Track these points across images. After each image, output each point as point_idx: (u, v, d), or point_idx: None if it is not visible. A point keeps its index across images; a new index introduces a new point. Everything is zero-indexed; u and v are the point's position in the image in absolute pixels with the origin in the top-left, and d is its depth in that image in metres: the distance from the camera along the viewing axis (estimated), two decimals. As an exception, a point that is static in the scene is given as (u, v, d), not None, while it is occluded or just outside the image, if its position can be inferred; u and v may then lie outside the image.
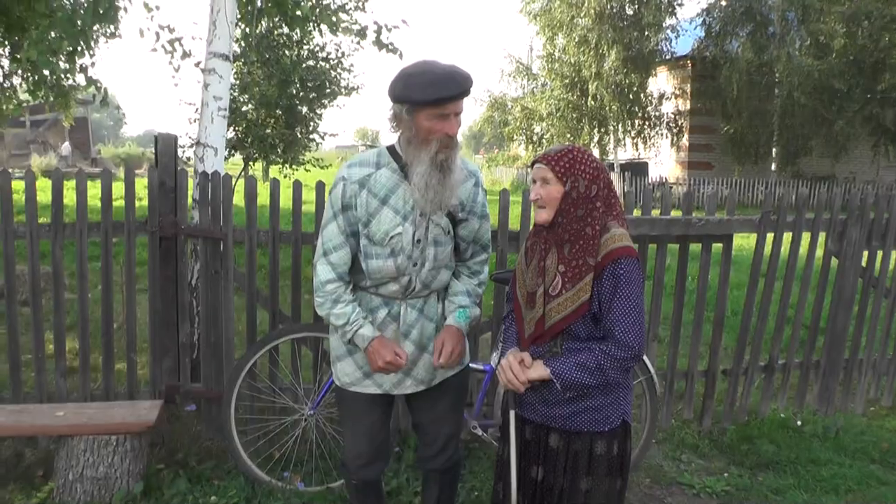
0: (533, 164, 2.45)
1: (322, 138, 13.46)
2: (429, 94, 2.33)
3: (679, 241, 4.42)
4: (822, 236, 4.71)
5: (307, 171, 13.22)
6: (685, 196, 4.53)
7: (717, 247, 4.51)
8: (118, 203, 8.31)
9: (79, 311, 4.09)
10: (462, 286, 2.77)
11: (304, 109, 12.36)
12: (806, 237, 4.69)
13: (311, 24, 5.80)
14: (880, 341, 5.04)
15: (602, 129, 23.67)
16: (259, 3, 5.01)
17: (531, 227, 2.59)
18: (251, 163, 12.31)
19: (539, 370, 2.38)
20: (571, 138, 23.63)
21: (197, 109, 11.79)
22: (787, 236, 4.61)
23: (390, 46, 5.50)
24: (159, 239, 4.01)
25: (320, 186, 4.17)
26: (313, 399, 3.92)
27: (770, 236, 4.52)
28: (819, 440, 4.53)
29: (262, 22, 5.49)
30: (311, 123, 12.97)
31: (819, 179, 23.16)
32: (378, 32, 5.43)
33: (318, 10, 5.56)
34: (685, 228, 4.30)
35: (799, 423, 4.70)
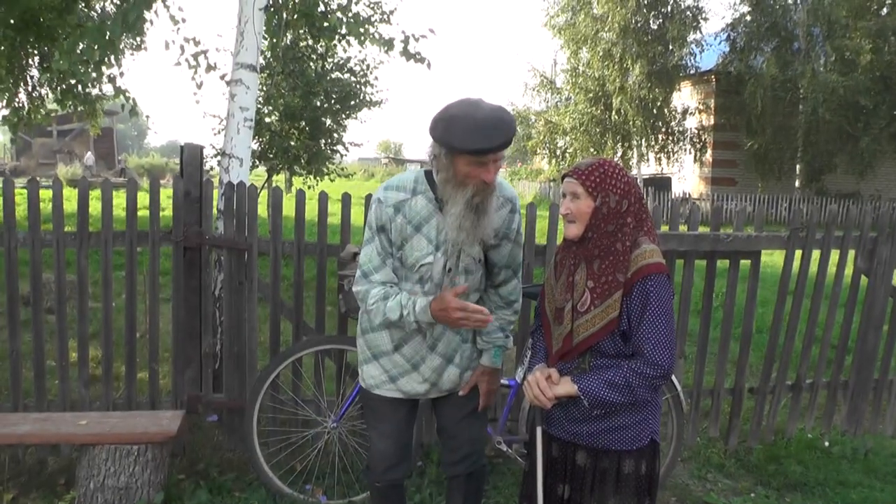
0: (563, 177, 2.43)
1: (347, 150, 13.51)
2: (469, 143, 2.30)
3: (707, 257, 4.36)
4: (850, 254, 4.64)
5: (331, 181, 13.28)
6: (714, 212, 4.50)
7: (745, 263, 4.44)
8: (142, 213, 8.37)
9: (103, 319, 4.10)
10: (496, 323, 2.76)
11: (329, 121, 12.40)
12: (835, 255, 4.62)
13: (339, 35, 5.80)
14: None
15: (626, 144, 23.62)
16: (286, 15, 5.02)
17: (560, 242, 2.57)
18: (275, 174, 12.37)
19: (566, 386, 2.35)
20: (595, 152, 23.59)
21: (221, 121, 11.87)
22: (816, 254, 4.54)
23: (418, 56, 5.46)
24: (184, 249, 4.01)
25: (346, 198, 4.18)
26: (336, 411, 3.90)
27: (798, 253, 4.45)
28: (848, 462, 4.44)
29: (289, 33, 5.50)
30: (336, 135, 13.03)
31: (844, 197, 22.92)
32: (405, 42, 5.39)
33: (345, 21, 5.55)
34: (713, 244, 4.24)
35: (827, 443, 4.61)
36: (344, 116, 12.95)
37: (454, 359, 2.71)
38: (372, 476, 2.85)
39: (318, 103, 12.13)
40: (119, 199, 12.90)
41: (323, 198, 4.19)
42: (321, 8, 5.40)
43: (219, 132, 11.48)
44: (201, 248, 4.04)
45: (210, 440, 4.24)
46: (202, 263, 4.07)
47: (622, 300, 2.29)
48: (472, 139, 2.29)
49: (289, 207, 4.18)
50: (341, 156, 13.85)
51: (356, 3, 6.25)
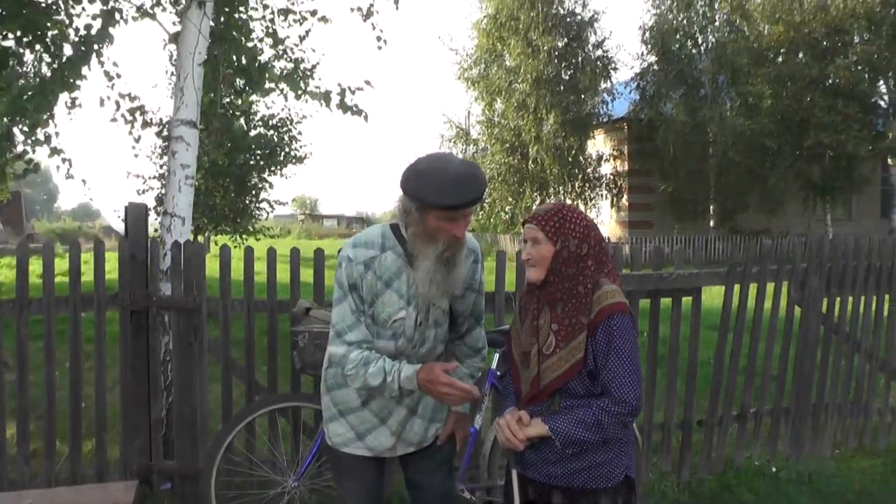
0: (524, 224, 2.50)
1: (272, 207, 13.44)
2: (442, 199, 2.32)
3: (650, 297, 4.50)
4: (784, 286, 4.86)
5: (257, 240, 13.14)
6: (655, 252, 4.67)
7: (686, 301, 4.60)
8: (59, 279, 8.07)
9: (45, 390, 3.94)
10: (465, 369, 2.80)
11: (255, 178, 12.35)
12: (771, 287, 4.83)
13: (277, 90, 5.80)
14: (843, 385, 5.16)
15: (543, 192, 24.02)
16: (222, 70, 5.01)
17: (525, 287, 2.62)
18: (199, 234, 12.18)
19: (537, 427, 2.38)
20: (513, 202, 24.03)
21: (145, 181, 11.70)
22: (753, 287, 4.73)
23: (355, 108, 5.46)
24: (130, 313, 3.91)
25: (295, 253, 4.16)
26: (296, 470, 3.82)
27: (737, 288, 4.64)
28: (794, 485, 4.59)
29: (222, 88, 5.48)
30: (261, 192, 12.97)
31: (756, 234, 23.92)
32: (342, 95, 5.41)
33: (284, 75, 5.57)
34: (657, 283, 4.40)
35: (774, 469, 4.76)
36: (269, 172, 12.93)
37: (417, 410, 2.71)
38: None
39: (244, 160, 12.09)
40: (34, 266, 12.36)
41: (272, 254, 4.16)
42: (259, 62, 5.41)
43: (143, 192, 11.29)
44: (149, 310, 3.95)
45: (162, 510, 4.09)
46: (149, 326, 3.97)
47: (587, 341, 2.35)
48: (444, 195, 2.31)
49: (213, 268, 4.14)
50: (267, 214, 13.78)
51: (277, 60, 6.26)
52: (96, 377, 3.97)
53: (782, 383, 4.96)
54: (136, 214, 3.95)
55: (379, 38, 6.05)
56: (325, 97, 5.33)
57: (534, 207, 23.92)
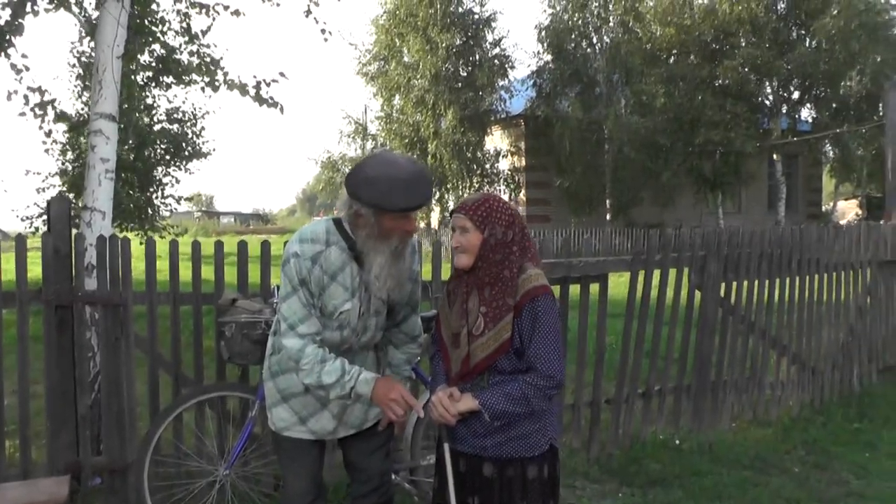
0: (452, 213, 2.66)
1: (178, 202, 13.18)
2: (399, 203, 2.47)
3: (560, 283, 4.75)
4: (685, 272, 5.22)
5: (161, 237, 12.86)
6: (563, 242, 4.94)
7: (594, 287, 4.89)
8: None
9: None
10: (402, 356, 2.98)
11: (161, 172, 12.09)
12: (673, 273, 5.18)
13: (193, 81, 5.75)
14: (739, 362, 5.59)
15: (442, 188, 24.11)
16: (142, 61, 4.97)
17: (451, 273, 2.79)
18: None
19: (468, 402, 2.56)
20: (412, 196, 24.02)
21: (45, 178, 11.28)
22: (656, 274, 5.07)
23: (271, 100, 5.48)
24: (55, 308, 3.88)
25: (219, 245, 4.21)
26: (226, 459, 3.89)
27: (642, 274, 4.96)
28: (697, 455, 4.95)
29: (137, 81, 5.42)
30: (166, 187, 12.71)
31: (651, 227, 24.84)
32: (257, 88, 5.43)
33: (203, 66, 5.53)
34: (567, 270, 4.66)
35: (678, 441, 5.12)
36: (175, 168, 12.69)
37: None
38: None
39: (148, 154, 11.83)
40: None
41: (196, 246, 4.20)
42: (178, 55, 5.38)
43: (44, 190, 10.90)
44: (73, 305, 3.93)
45: (90, 507, 4.07)
46: (74, 322, 3.95)
47: (514, 321, 2.54)
48: (400, 199, 2.47)
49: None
50: (172, 210, 13.50)
51: (192, 55, 6.22)
52: (19, 374, 3.92)
53: (684, 362, 5.32)
54: (58, 208, 3.92)
55: (323, 31, 6.09)
56: (242, 88, 5.34)
57: (433, 203, 24.17)
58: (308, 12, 5.83)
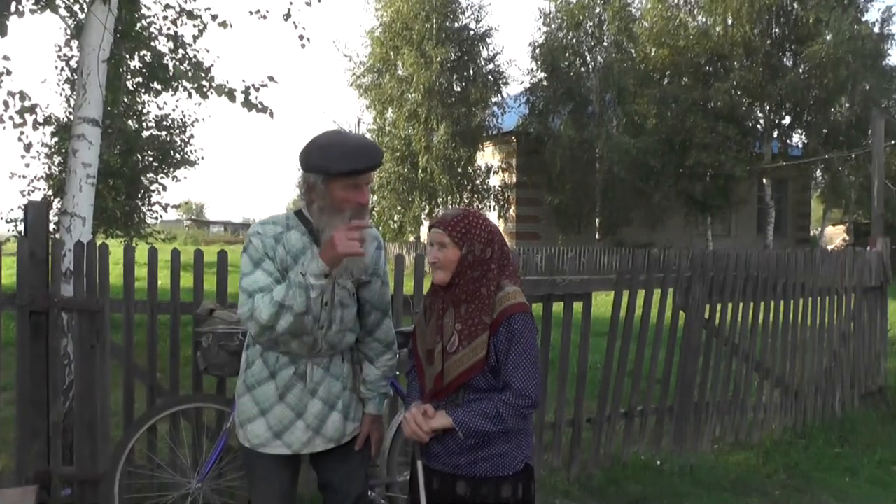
0: (430, 227, 2.63)
1: (165, 210, 13.12)
2: (346, 165, 2.48)
3: (543, 301, 4.73)
4: (670, 293, 5.20)
5: (148, 244, 12.78)
6: (547, 259, 4.94)
7: (577, 306, 4.86)
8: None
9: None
10: (378, 371, 2.90)
11: (149, 178, 12.03)
12: (657, 294, 5.16)
13: (181, 86, 5.71)
14: (722, 385, 5.56)
15: (432, 202, 24.16)
16: (131, 66, 4.93)
17: (428, 288, 2.75)
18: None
19: (441, 419, 2.52)
20: (402, 210, 24.12)
21: (30, 182, 11.19)
22: (641, 294, 5.05)
23: (260, 105, 5.44)
24: (29, 313, 3.83)
25: (198, 255, 4.17)
26: (200, 470, 3.83)
27: (626, 294, 4.94)
28: (678, 477, 4.92)
29: (124, 87, 5.37)
30: (153, 194, 12.65)
31: (640, 247, 24.83)
32: (246, 93, 5.38)
33: (191, 72, 5.49)
34: (550, 288, 4.63)
35: (659, 462, 5.08)
36: (163, 175, 12.63)
37: (336, 405, 2.78)
38: None
39: (136, 161, 11.78)
40: None
41: (175, 255, 4.16)
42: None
43: (29, 193, 10.81)
44: (49, 311, 3.87)
45: (58, 517, 3.99)
46: (50, 328, 3.89)
47: (489, 339, 2.51)
48: (348, 161, 2.48)
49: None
50: (159, 217, 13.43)
51: (181, 62, 6.19)
52: (-10, 380, 3.87)
53: (667, 384, 5.30)
54: (36, 212, 3.87)
55: (301, 38, 6.07)
56: (230, 94, 5.30)
57: (422, 217, 24.19)
58: (287, 16, 5.82)
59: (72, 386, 4.13)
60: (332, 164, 2.48)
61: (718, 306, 5.41)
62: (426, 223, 24.53)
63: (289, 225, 2.68)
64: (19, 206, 10.52)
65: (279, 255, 2.63)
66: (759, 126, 25.91)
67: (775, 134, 25.79)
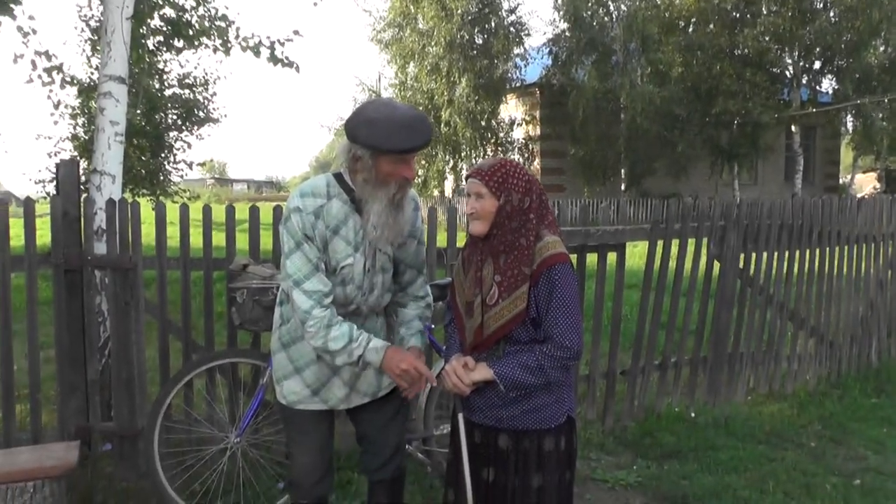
0: (467, 178, 2.57)
1: (191, 167, 13.15)
2: (397, 143, 2.40)
3: (577, 252, 4.67)
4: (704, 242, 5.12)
5: (174, 202, 12.84)
6: (581, 210, 4.86)
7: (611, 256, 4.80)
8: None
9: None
10: (413, 312, 2.86)
11: (173, 136, 12.03)
12: (691, 243, 5.08)
13: (205, 43, 5.64)
14: (757, 335, 5.50)
15: (456, 155, 23.96)
16: (151, 24, 4.87)
17: (466, 240, 2.70)
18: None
19: (482, 372, 2.49)
20: (426, 165, 23.98)
21: (56, 143, 11.24)
22: (675, 243, 4.97)
23: (286, 60, 5.38)
24: (64, 272, 3.83)
25: (230, 210, 4.15)
26: (238, 426, 3.86)
27: (660, 243, 4.87)
28: (712, 428, 4.89)
29: (147, 44, 5.32)
30: (177, 152, 12.67)
31: (665, 197, 24.59)
32: (272, 48, 5.32)
33: (214, 28, 5.42)
34: (584, 238, 4.57)
35: (693, 414, 5.06)
36: (187, 132, 12.64)
37: None
38: (299, 492, 2.84)
39: (160, 119, 11.77)
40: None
41: (207, 211, 4.14)
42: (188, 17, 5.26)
43: (56, 154, 10.85)
44: (83, 269, 3.88)
45: (101, 472, 4.05)
46: (84, 286, 3.90)
47: (530, 290, 2.46)
48: (398, 139, 2.40)
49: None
50: (184, 175, 13.47)
51: (191, 16, 6.10)
52: (29, 339, 3.89)
53: (700, 335, 5.24)
54: (68, 171, 3.85)
55: None
56: (255, 49, 5.24)
57: (446, 171, 24.09)
58: None
59: (107, 343, 4.16)
60: (383, 141, 2.40)
61: (753, 255, 5.32)
62: (450, 178, 24.41)
63: (329, 193, 2.58)
64: (46, 168, 10.55)
65: (319, 232, 2.55)
66: (787, 72, 25.28)
67: (805, 80, 25.14)
